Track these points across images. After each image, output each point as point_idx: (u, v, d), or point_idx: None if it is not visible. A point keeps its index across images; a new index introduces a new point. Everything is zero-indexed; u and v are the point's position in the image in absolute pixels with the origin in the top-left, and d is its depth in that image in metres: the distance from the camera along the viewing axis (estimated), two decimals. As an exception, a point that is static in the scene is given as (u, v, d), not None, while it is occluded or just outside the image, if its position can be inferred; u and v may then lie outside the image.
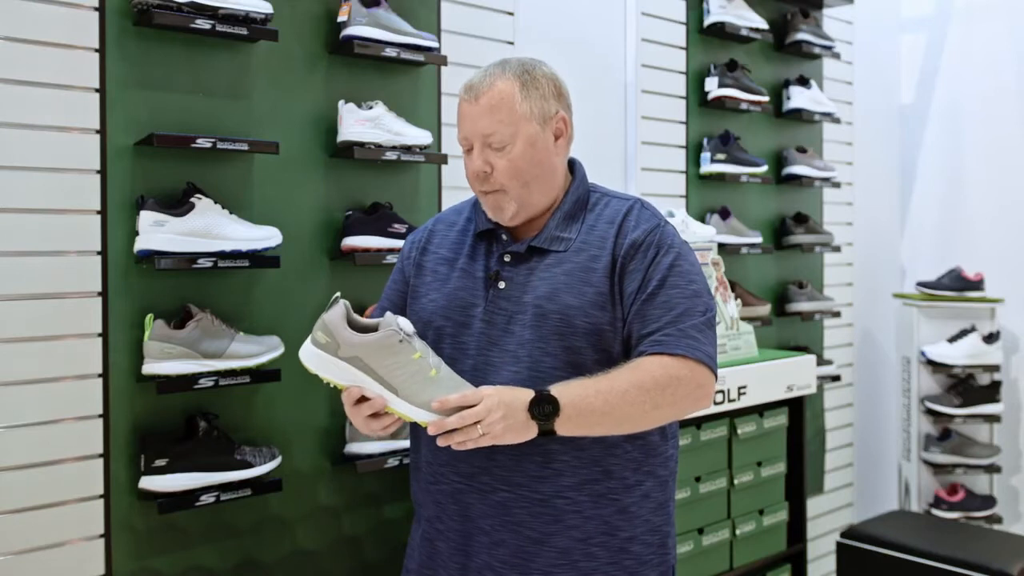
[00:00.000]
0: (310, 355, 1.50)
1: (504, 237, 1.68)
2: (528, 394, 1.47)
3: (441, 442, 1.46)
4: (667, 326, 1.56)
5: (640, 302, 1.58)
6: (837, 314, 3.64)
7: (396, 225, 2.25)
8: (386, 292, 1.83)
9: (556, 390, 1.48)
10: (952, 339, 3.84)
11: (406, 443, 2.23)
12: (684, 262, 1.63)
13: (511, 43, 2.63)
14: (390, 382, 1.48)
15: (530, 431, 1.47)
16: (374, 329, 1.49)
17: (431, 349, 1.53)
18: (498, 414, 1.44)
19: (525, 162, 1.62)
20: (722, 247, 3.11)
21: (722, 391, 2.55)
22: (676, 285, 1.59)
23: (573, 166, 1.74)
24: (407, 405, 1.48)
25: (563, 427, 1.48)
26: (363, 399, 1.50)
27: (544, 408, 1.46)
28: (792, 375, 2.78)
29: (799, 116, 3.50)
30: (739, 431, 2.65)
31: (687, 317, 1.57)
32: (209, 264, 1.95)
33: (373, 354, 1.47)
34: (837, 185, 3.64)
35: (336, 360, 1.48)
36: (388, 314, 1.51)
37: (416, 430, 1.75)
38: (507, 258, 1.66)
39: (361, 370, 1.48)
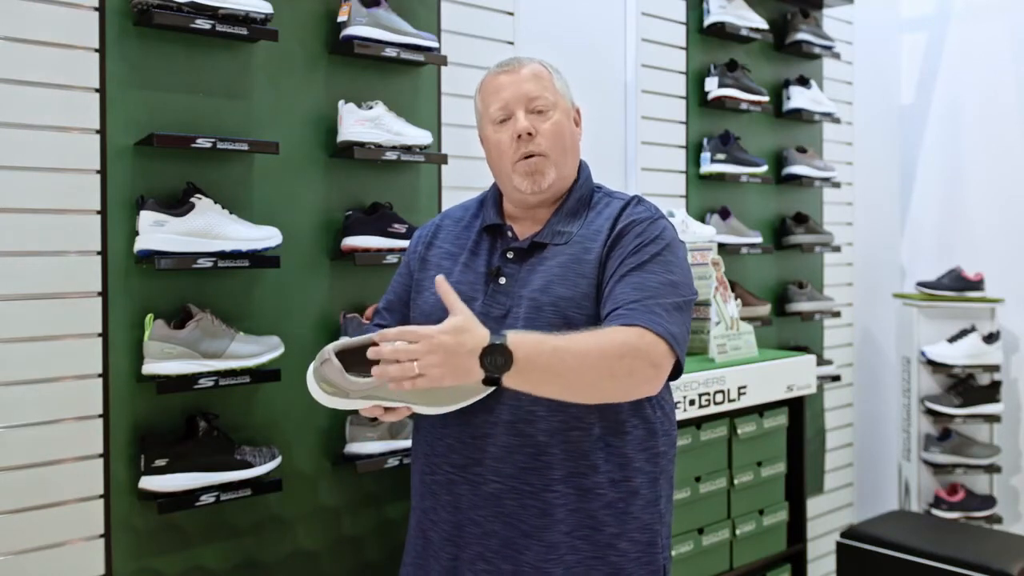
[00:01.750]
0: (324, 399, 1.54)
1: (508, 234, 1.70)
2: (480, 339, 1.37)
3: (375, 372, 1.38)
4: (632, 302, 1.53)
5: (612, 283, 1.58)
6: (837, 314, 3.64)
7: (396, 225, 2.25)
8: (392, 286, 1.86)
9: (513, 340, 1.38)
10: (952, 339, 3.84)
11: (406, 443, 2.23)
12: (669, 254, 1.61)
13: (511, 43, 2.64)
14: (406, 399, 1.55)
15: (473, 376, 1.38)
16: (363, 349, 1.51)
17: None
18: (435, 358, 1.35)
19: (565, 130, 1.69)
20: (722, 247, 3.11)
21: (722, 391, 2.55)
22: (653, 271, 1.58)
23: (579, 166, 1.77)
24: (429, 408, 1.58)
25: (511, 381, 1.40)
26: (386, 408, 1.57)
27: (496, 360, 1.36)
28: (792, 375, 2.78)
29: (799, 116, 3.50)
30: (739, 431, 2.65)
31: (657, 298, 1.54)
32: (209, 264, 1.95)
33: (382, 388, 1.51)
34: (837, 185, 3.64)
35: (350, 401, 1.53)
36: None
37: (419, 424, 1.76)
38: (510, 255, 1.68)
39: (376, 398, 1.54)
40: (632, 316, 1.50)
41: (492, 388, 1.51)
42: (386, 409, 1.57)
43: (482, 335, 1.38)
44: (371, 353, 1.39)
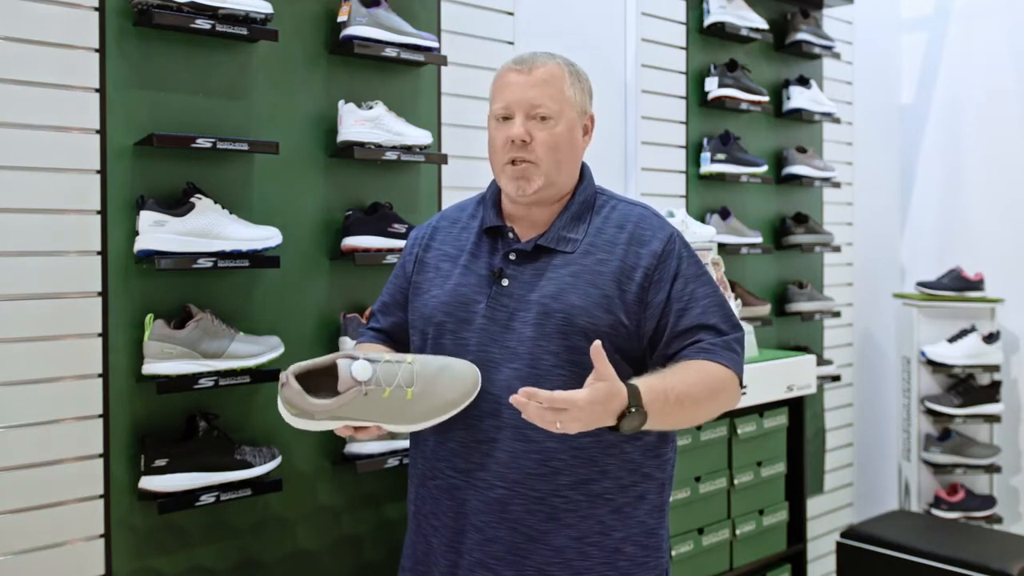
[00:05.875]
0: (292, 420, 1.53)
1: (510, 235, 1.69)
2: (621, 403, 1.44)
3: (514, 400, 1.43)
4: (713, 336, 1.62)
5: (675, 311, 1.62)
6: (837, 314, 3.64)
7: (396, 225, 2.25)
8: (387, 288, 1.85)
9: (645, 399, 1.46)
10: (952, 339, 3.84)
11: (406, 443, 2.23)
12: (702, 267, 1.68)
13: (511, 43, 2.63)
14: (374, 419, 1.54)
15: (603, 425, 1.46)
16: (332, 369, 1.51)
17: (397, 361, 1.54)
18: (579, 423, 1.42)
19: (563, 142, 1.66)
20: (722, 247, 3.11)
21: (722, 391, 2.55)
22: (706, 296, 1.65)
23: (582, 168, 1.76)
24: (399, 427, 1.56)
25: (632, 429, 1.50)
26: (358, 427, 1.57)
27: (633, 421, 1.46)
28: (792, 375, 2.78)
29: (799, 116, 3.50)
30: (739, 431, 2.65)
31: (725, 328, 1.64)
32: (209, 264, 1.95)
33: (347, 409, 1.50)
34: (837, 185, 3.64)
35: (317, 423, 1.52)
36: (340, 364, 1.51)
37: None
38: (512, 256, 1.67)
39: (344, 419, 1.52)
40: (716, 353, 1.61)
41: (463, 407, 1.58)
42: (356, 428, 1.56)
43: (623, 399, 1.45)
44: (514, 401, 1.41)
